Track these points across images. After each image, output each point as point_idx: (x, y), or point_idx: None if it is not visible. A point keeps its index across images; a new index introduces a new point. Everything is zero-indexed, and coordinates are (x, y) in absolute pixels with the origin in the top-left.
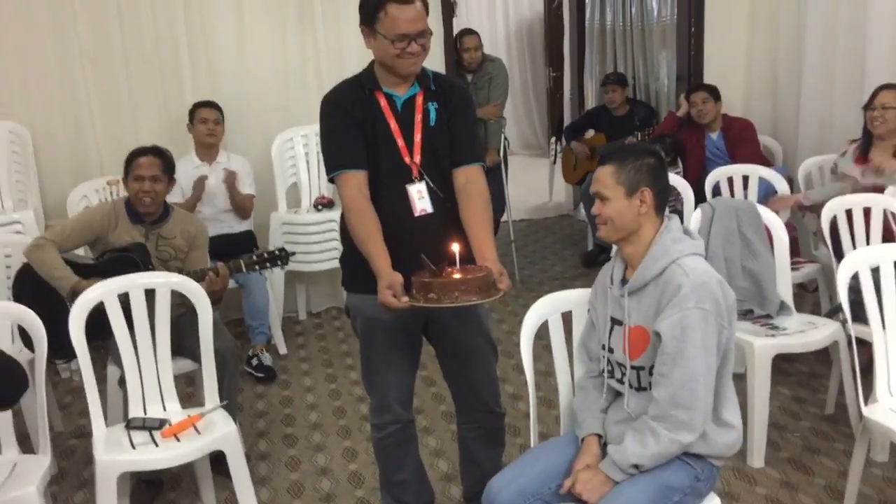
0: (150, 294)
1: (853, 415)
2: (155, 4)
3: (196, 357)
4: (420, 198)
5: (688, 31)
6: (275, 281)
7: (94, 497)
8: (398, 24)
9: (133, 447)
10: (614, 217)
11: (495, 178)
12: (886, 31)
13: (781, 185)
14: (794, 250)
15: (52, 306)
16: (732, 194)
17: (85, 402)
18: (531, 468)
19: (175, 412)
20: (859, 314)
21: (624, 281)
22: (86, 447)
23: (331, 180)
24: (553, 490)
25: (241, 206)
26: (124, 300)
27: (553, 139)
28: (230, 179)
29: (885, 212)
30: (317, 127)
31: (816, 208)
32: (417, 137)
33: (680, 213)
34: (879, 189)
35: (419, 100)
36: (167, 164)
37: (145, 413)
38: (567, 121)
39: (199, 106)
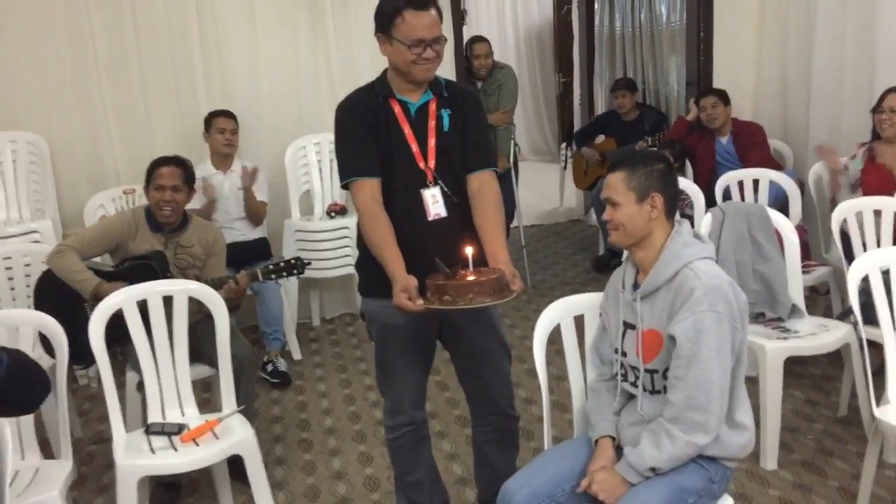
0: (167, 301)
1: (866, 417)
2: (169, 15)
3: (213, 363)
4: (434, 202)
5: (697, 35)
6: (289, 288)
7: (114, 501)
8: (415, 30)
9: (153, 452)
10: (625, 222)
11: (505, 184)
12: (894, 33)
13: (792, 189)
14: (805, 253)
15: (70, 314)
16: (743, 198)
17: (103, 409)
18: (545, 470)
19: (193, 417)
20: (871, 316)
21: (636, 285)
22: (105, 453)
23: (345, 187)
24: (567, 492)
25: (254, 212)
26: (142, 307)
27: (563, 145)
28: (248, 177)
29: (895, 214)
30: (329, 135)
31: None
32: (431, 143)
33: (690, 218)
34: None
35: (432, 106)
36: (188, 174)
37: (164, 418)
38: (577, 126)
39: (215, 115)
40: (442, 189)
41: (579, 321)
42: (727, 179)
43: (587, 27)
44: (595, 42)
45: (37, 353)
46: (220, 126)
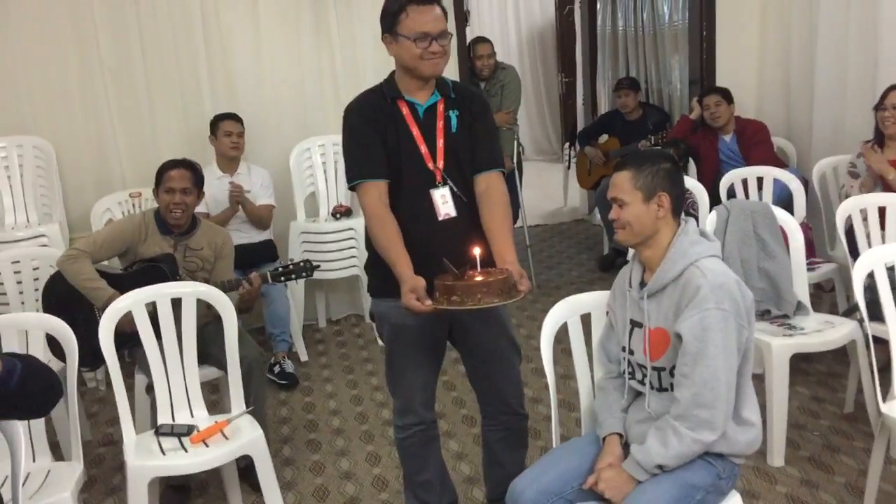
0: (176, 304)
1: (872, 413)
2: (174, 20)
3: (221, 365)
4: (444, 202)
5: (699, 34)
6: (295, 289)
7: (125, 503)
8: (419, 24)
9: (163, 453)
10: (632, 221)
11: (509, 184)
12: None
13: (796, 186)
14: (810, 251)
15: (78, 316)
16: (747, 196)
17: (111, 411)
18: (553, 468)
19: (202, 419)
20: (876, 312)
21: (642, 284)
22: (114, 455)
23: (352, 188)
24: (575, 489)
25: (256, 218)
26: (151, 309)
27: (567, 144)
28: (236, 193)
29: None
30: (334, 137)
31: None
32: (440, 143)
33: (695, 216)
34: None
35: (440, 107)
36: (197, 177)
37: (173, 420)
38: (580, 126)
39: (221, 118)
40: (451, 189)
41: (586, 320)
42: (731, 177)
43: (590, 27)
44: (598, 42)
45: (45, 357)
46: (227, 129)
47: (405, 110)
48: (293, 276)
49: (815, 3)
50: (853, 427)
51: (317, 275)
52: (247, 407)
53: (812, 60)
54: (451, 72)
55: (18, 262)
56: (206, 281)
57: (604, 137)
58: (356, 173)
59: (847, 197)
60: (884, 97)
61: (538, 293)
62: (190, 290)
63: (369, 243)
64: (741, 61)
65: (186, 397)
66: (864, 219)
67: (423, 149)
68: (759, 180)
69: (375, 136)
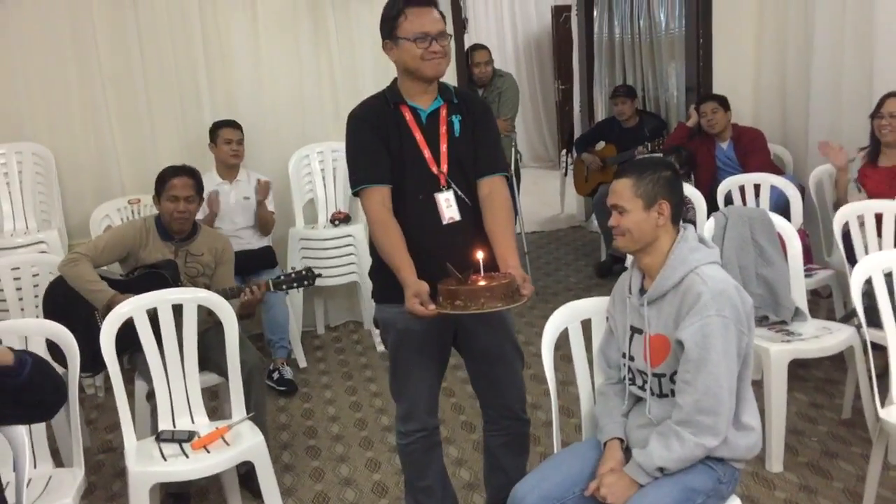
0: (176, 310)
1: (870, 419)
2: (173, 27)
3: (221, 371)
4: (448, 206)
5: (696, 42)
6: (294, 296)
7: None
8: (418, 24)
9: (164, 459)
10: (632, 229)
11: None
12: (893, 38)
13: (793, 193)
14: (807, 257)
15: (78, 323)
16: (744, 203)
17: (110, 418)
18: (555, 473)
19: (203, 425)
20: (874, 319)
21: (642, 290)
22: (113, 462)
23: (355, 194)
24: (577, 494)
25: (265, 222)
26: (151, 315)
27: (564, 151)
28: (263, 190)
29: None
30: (333, 144)
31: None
32: (443, 148)
33: (693, 223)
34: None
35: (443, 112)
36: (199, 184)
37: (174, 426)
38: (577, 133)
39: (221, 126)
40: (455, 193)
41: (585, 325)
42: (729, 184)
43: (587, 35)
44: (594, 49)
45: None
46: (227, 137)
47: (408, 115)
48: (295, 284)
49: (811, 12)
50: (851, 433)
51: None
52: (247, 413)
53: (808, 68)
54: (450, 78)
55: (18, 268)
56: (207, 286)
57: (600, 144)
58: (360, 179)
59: (837, 202)
60: (880, 105)
61: (536, 300)
62: (191, 296)
63: (373, 249)
64: (737, 69)
65: (187, 403)
66: (861, 225)
67: (427, 153)
68: (757, 187)
69: (379, 141)
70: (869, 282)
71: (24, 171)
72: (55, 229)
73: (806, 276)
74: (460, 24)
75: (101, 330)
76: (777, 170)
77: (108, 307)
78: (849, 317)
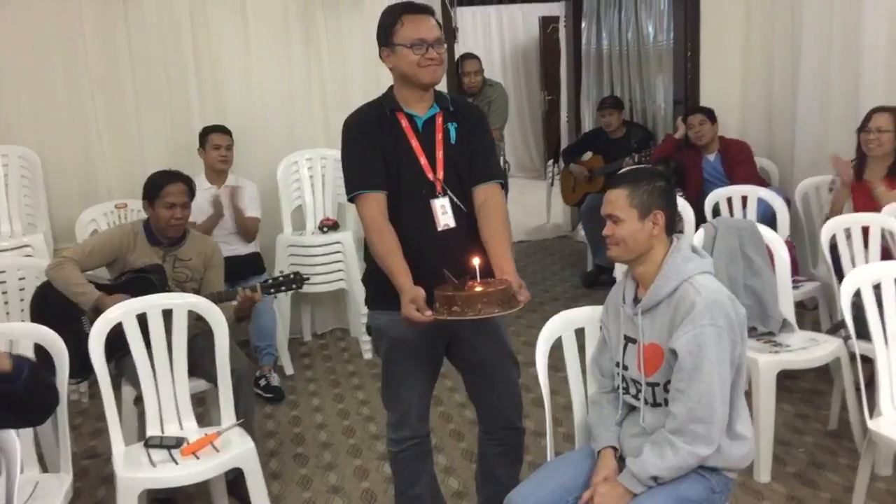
0: (165, 315)
1: (856, 430)
2: (163, 31)
3: (210, 377)
4: (443, 213)
5: (684, 54)
6: (281, 302)
7: None
8: (414, 31)
9: (153, 465)
10: (627, 238)
11: None
12: (880, 52)
13: (779, 205)
14: (794, 269)
15: (65, 329)
16: (732, 215)
17: (94, 424)
18: (549, 481)
19: (192, 431)
20: (861, 330)
21: (636, 300)
22: (98, 468)
23: (351, 200)
24: (571, 502)
25: (243, 229)
26: (141, 320)
27: (550, 161)
28: (232, 195)
29: (882, 231)
30: (322, 150)
31: None
32: (440, 154)
33: (681, 234)
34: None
35: (439, 120)
36: (192, 190)
37: (163, 432)
38: (564, 143)
39: (211, 130)
40: (451, 199)
41: (578, 334)
42: (716, 196)
43: (574, 46)
44: (582, 60)
45: None
46: (216, 142)
47: (404, 122)
48: (283, 287)
49: (798, 26)
50: (838, 444)
51: (303, 288)
52: (236, 419)
53: (794, 82)
54: (441, 87)
55: (3, 272)
56: (196, 292)
57: (587, 155)
58: (355, 185)
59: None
60: (867, 120)
61: (522, 309)
62: (181, 302)
63: (367, 255)
64: (725, 82)
65: (176, 409)
66: (848, 237)
67: (423, 160)
68: (744, 199)
69: (375, 148)
70: (857, 294)
71: (10, 175)
72: (41, 233)
73: (792, 287)
74: (451, 34)
75: (88, 336)
76: (763, 182)
77: (95, 309)
78: (836, 328)
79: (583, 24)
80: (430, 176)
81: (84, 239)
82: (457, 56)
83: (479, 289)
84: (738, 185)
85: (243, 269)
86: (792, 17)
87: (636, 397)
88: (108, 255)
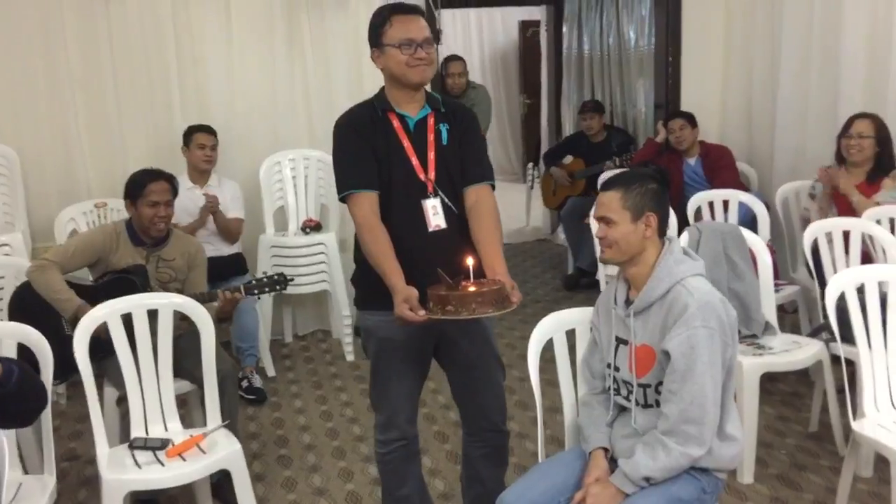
0: (149, 315)
1: (837, 432)
2: (145, 30)
3: (193, 378)
4: (435, 213)
5: (665, 59)
6: (263, 303)
7: None
8: (403, 31)
9: (139, 466)
10: (620, 240)
11: None
12: (859, 59)
13: (760, 210)
14: (774, 273)
15: (46, 328)
16: (713, 218)
17: (73, 426)
18: (540, 483)
19: (177, 432)
20: (843, 333)
21: (628, 301)
22: (78, 470)
23: (343, 200)
24: (562, 503)
25: (226, 230)
26: (125, 320)
27: (531, 165)
28: (211, 204)
29: (863, 235)
30: (305, 151)
31: None
32: (431, 155)
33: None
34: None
35: (430, 120)
36: (175, 188)
37: (147, 433)
38: (544, 147)
39: (195, 130)
40: (442, 200)
41: (569, 335)
42: (698, 200)
43: (555, 50)
44: (563, 64)
45: None
46: (201, 142)
47: (396, 123)
48: (267, 289)
49: (778, 33)
50: (819, 446)
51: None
52: (221, 420)
53: (774, 88)
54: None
55: None
56: (180, 292)
57: (568, 158)
58: (347, 184)
59: (807, 219)
60: (848, 125)
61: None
62: (166, 302)
63: (358, 255)
64: (705, 87)
65: (160, 410)
66: (829, 241)
67: (415, 160)
68: (725, 203)
69: (366, 148)
70: (841, 297)
71: None
72: (19, 232)
73: (774, 291)
74: (435, 35)
75: (69, 336)
76: (743, 187)
77: (75, 317)
78: (817, 331)
79: (564, 29)
80: (422, 176)
81: (66, 239)
82: (441, 58)
83: (473, 289)
84: (719, 189)
85: (226, 269)
86: (772, 23)
87: (627, 398)
88: (91, 256)
